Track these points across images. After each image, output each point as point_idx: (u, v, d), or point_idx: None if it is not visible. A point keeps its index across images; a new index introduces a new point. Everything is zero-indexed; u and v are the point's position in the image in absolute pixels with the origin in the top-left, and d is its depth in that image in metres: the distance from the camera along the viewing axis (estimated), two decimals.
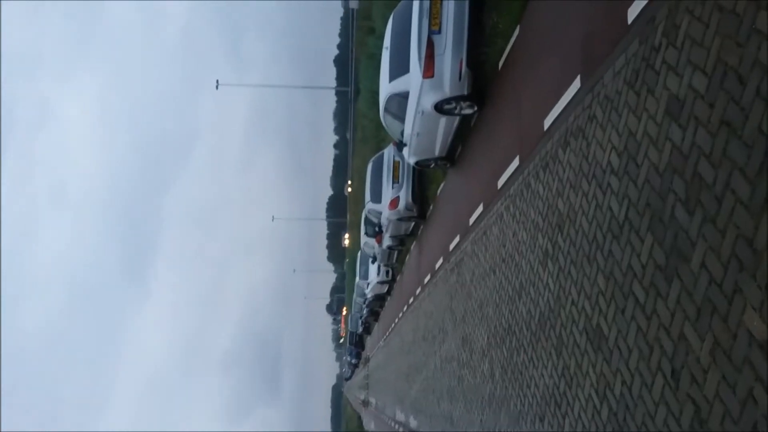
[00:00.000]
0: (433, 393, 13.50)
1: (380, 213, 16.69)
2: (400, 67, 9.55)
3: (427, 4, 8.94)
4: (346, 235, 60.49)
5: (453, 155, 11.71)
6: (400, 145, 11.86)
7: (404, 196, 15.49)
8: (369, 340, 46.70)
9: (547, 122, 6.26)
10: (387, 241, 19.58)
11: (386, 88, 10.27)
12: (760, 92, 3.02)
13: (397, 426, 21.41)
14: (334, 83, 61.51)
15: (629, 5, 4.54)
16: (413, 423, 17.02)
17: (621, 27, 4.66)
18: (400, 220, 16.40)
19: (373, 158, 17.48)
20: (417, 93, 9.42)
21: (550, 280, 5.93)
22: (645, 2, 4.33)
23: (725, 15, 3.34)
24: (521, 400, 6.91)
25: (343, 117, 75.82)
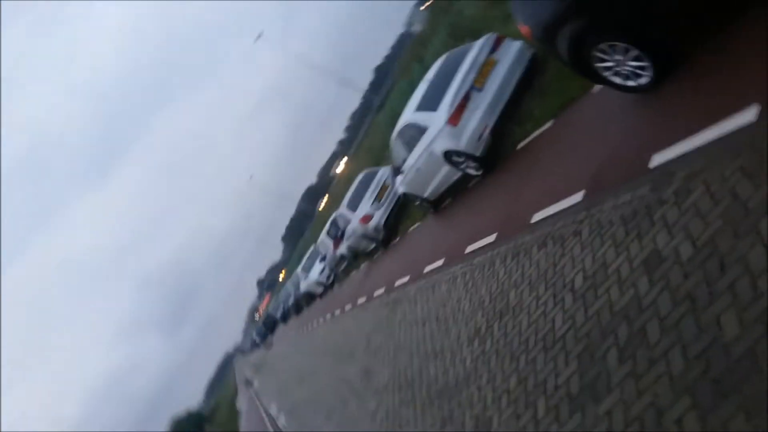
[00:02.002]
0: (314, 404, 13.40)
1: (349, 221, 16.67)
2: (430, 103, 9.63)
3: (481, 60, 9.06)
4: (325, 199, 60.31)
5: (439, 203, 11.78)
6: (396, 171, 11.92)
7: (378, 217, 15.52)
8: (281, 329, 46.37)
9: (536, 217, 6.35)
10: (343, 249, 19.54)
11: (409, 115, 10.33)
12: (733, 287, 3.10)
13: (265, 416, 21.15)
14: (365, 88, 61.65)
15: (658, 151, 4.65)
16: (282, 421, 16.84)
17: (641, 167, 4.76)
18: (364, 236, 16.40)
19: (367, 170, 17.53)
20: (434, 133, 9.49)
21: (468, 358, 5.96)
22: (673, 156, 4.44)
23: (736, 203, 3.44)
24: None
25: (358, 122, 76.03)
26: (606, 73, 5.50)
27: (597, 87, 6.26)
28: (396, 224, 15.38)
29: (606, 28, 5.07)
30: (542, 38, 5.79)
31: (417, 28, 43.71)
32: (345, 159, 58.63)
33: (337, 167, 63.57)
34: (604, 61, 5.36)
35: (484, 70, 9.03)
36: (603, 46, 5.23)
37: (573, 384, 4.00)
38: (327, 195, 62.97)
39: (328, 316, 19.75)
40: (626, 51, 5.12)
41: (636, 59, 5.11)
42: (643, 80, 5.26)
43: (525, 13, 5.83)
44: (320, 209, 61.50)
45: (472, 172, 9.74)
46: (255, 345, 75.40)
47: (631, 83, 5.38)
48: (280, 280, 76.78)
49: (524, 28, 5.99)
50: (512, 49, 9.06)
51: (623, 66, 5.27)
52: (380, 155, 24.33)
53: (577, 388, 3.94)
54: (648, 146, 4.84)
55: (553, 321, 4.69)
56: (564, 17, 5.26)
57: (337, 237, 18.70)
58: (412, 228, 13.93)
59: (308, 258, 28.10)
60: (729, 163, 3.71)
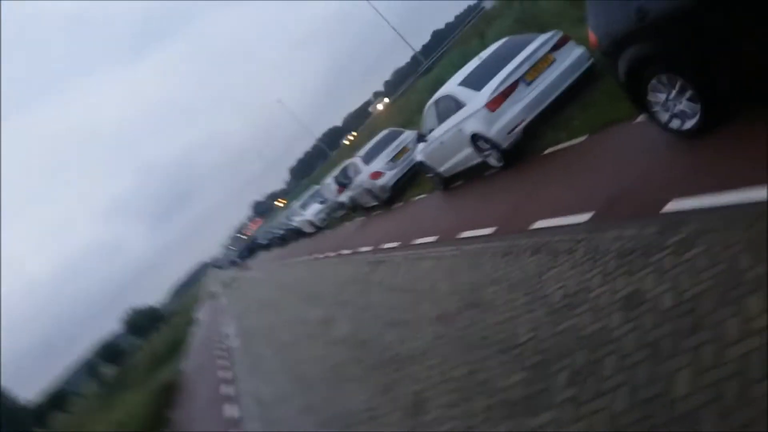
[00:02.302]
0: (268, 335, 13.55)
1: (360, 173, 16.59)
2: (476, 81, 9.45)
3: (539, 55, 8.84)
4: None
5: (450, 182, 11.69)
6: (419, 138, 11.79)
7: (389, 177, 15.44)
8: (262, 255, 46.82)
9: (538, 224, 6.27)
10: (344, 198, 19.52)
11: (451, 87, 10.16)
12: (698, 349, 3.06)
13: (220, 333, 21.49)
14: (418, 48, 60.74)
15: (677, 197, 4.54)
16: (233, 341, 17.07)
17: (653, 209, 4.66)
18: (369, 191, 16.35)
19: (392, 128, 17.38)
20: (470, 112, 9.35)
21: (426, 335, 5.97)
22: (689, 207, 4.34)
23: (732, 271, 3.37)
24: (324, 404, 6.96)
25: (400, 79, 75.21)
26: (655, 107, 5.36)
27: (642, 117, 6.11)
28: (403, 189, 15.30)
29: (673, 61, 4.92)
30: (606, 51, 5.62)
31: (488, 4, 42.80)
32: (386, 100, 57.80)
33: (377, 105, 62.64)
34: (658, 92, 5.23)
35: (539, 65, 8.83)
36: (663, 77, 5.08)
37: (516, 392, 3.99)
38: (355, 133, 62.40)
39: (311, 256, 19.84)
40: (683, 90, 4.98)
41: (690, 100, 4.98)
42: (688, 125, 5.13)
43: (598, 21, 5.63)
44: (346, 143, 61.01)
45: (492, 161, 9.62)
46: (232, 263, 76.47)
47: (676, 124, 5.25)
48: (279, 206, 77.21)
49: (592, 36, 5.81)
50: (573, 53, 8.84)
51: (675, 104, 5.14)
52: (410, 118, 24.08)
53: (518, 396, 3.93)
54: (670, 189, 4.74)
55: (519, 327, 4.66)
56: (635, 37, 5.09)
57: (344, 184, 18.67)
58: (417, 197, 13.87)
59: (310, 196, 28.13)
60: (739, 231, 3.63)
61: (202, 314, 43.55)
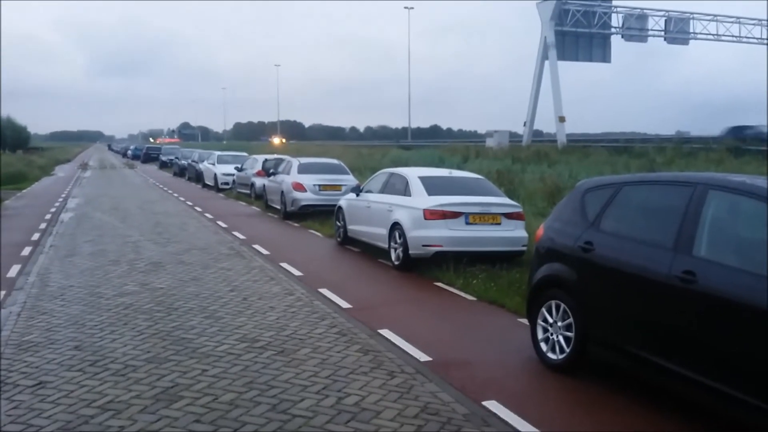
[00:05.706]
0: (98, 229, 12.76)
1: (288, 174, 16.12)
2: (432, 186, 9.69)
3: (492, 210, 9.18)
4: None
5: (348, 242, 11.63)
6: (355, 189, 11.75)
7: (306, 198, 15.21)
8: (152, 168, 45.45)
9: (383, 331, 6.26)
10: (258, 181, 19.18)
11: (411, 173, 10.34)
12: None
13: (61, 199, 20.32)
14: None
15: (494, 401, 4.63)
16: (65, 215, 16.01)
17: (478, 396, 4.73)
18: (280, 194, 16.03)
19: (340, 162, 17.31)
20: (408, 204, 9.50)
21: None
22: (500, 413, 4.42)
23: None
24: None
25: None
26: (539, 333, 5.52)
27: (524, 320, 6.27)
28: (309, 216, 15.04)
29: (574, 295, 5.14)
30: (540, 251, 5.76)
31: (492, 142, 44.35)
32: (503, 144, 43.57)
33: (488, 139, 48.47)
34: (547, 318, 5.43)
35: (486, 217, 9.11)
36: (559, 303, 5.29)
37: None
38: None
39: (184, 199, 19.21)
40: (565, 317, 5.21)
41: (567, 329, 5.18)
42: (559, 356, 5.27)
43: (553, 224, 5.73)
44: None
45: (393, 256, 9.67)
46: (124, 155, 74.41)
47: (551, 355, 5.37)
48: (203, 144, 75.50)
49: (541, 231, 5.92)
50: (517, 231, 9.24)
51: (556, 333, 5.31)
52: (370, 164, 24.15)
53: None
54: (489, 393, 4.83)
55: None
56: (566, 260, 5.29)
57: (267, 172, 18.24)
58: (313, 231, 13.76)
59: (233, 156, 27.50)
60: None
61: (62, 172, 41.01)
